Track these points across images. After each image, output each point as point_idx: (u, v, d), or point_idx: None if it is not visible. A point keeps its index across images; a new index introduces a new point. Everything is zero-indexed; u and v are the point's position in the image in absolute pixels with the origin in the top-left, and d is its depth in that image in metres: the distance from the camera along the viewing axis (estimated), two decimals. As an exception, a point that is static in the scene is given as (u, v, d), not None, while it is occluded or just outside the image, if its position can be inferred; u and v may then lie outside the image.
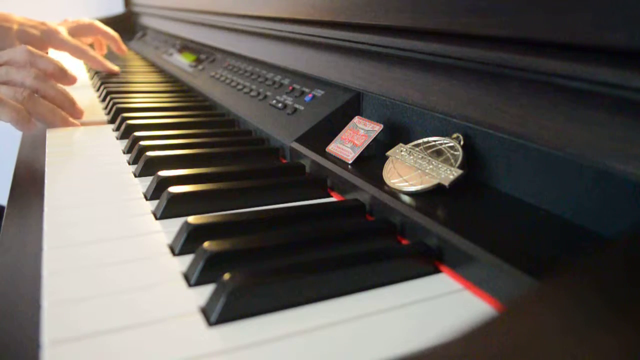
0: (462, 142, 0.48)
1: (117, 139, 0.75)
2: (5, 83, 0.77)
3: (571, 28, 0.36)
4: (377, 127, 0.55)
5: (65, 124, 0.80)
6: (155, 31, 1.80)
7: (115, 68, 1.21)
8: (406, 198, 0.45)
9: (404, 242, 0.43)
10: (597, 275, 0.21)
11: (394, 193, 0.46)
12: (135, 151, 0.64)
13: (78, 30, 1.26)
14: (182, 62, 1.25)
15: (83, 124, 0.84)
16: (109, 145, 0.72)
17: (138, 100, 0.95)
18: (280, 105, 0.73)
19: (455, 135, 0.49)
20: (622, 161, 0.32)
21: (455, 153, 0.47)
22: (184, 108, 0.92)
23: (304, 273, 0.35)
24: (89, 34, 1.31)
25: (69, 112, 0.83)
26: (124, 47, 1.41)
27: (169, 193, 0.48)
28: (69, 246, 0.41)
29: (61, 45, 1.09)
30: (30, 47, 0.82)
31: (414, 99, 0.52)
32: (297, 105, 0.70)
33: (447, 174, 0.45)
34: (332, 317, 0.33)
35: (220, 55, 1.12)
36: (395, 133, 0.59)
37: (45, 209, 0.48)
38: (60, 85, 0.84)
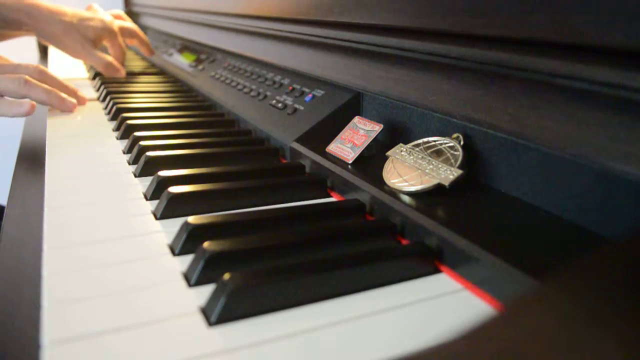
0: (462, 142, 0.48)
1: (117, 139, 0.75)
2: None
3: (571, 28, 0.36)
4: (377, 127, 0.55)
5: (63, 103, 0.87)
6: (155, 31, 1.80)
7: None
8: (406, 198, 0.45)
9: (404, 242, 0.43)
10: (597, 276, 0.21)
11: (394, 193, 0.46)
12: (135, 151, 0.64)
13: (124, 32, 1.26)
14: (182, 62, 1.25)
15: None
16: (109, 145, 0.72)
17: (138, 100, 0.95)
18: (280, 105, 0.73)
19: (455, 135, 0.49)
20: (622, 161, 0.32)
21: (455, 153, 0.47)
22: (184, 108, 0.92)
23: (304, 273, 0.35)
24: (128, 38, 1.30)
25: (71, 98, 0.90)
26: (152, 49, 1.40)
27: (169, 193, 0.48)
28: (69, 246, 0.41)
29: (114, 45, 1.20)
30: (27, 77, 0.82)
31: (413, 99, 0.52)
32: (297, 105, 0.70)
33: (447, 174, 0.45)
34: (332, 317, 0.33)
35: (220, 55, 1.12)
36: (395, 133, 0.59)
37: (45, 209, 0.48)
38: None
